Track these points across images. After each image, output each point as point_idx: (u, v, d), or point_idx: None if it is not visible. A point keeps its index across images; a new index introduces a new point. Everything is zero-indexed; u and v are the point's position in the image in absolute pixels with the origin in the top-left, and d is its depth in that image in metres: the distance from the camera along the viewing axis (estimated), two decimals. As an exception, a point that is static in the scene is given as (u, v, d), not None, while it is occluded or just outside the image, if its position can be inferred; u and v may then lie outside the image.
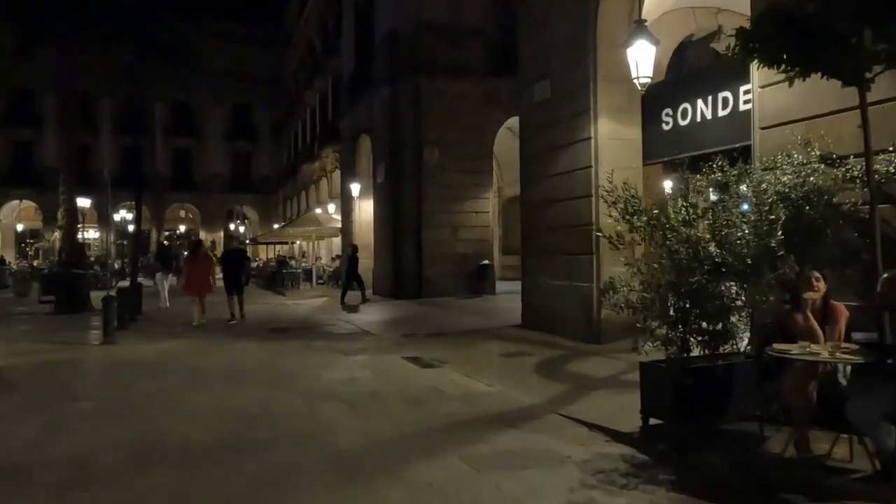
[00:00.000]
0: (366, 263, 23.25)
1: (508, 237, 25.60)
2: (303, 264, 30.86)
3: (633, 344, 5.24)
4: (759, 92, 6.98)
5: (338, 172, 29.51)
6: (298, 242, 36.16)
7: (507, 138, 21.73)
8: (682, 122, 9.23)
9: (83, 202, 29.93)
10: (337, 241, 29.43)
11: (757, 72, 7.01)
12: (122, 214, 40.03)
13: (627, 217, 5.27)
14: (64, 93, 17.83)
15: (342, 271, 18.77)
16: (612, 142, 9.80)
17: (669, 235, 5.10)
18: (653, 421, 5.24)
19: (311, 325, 13.88)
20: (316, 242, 34.55)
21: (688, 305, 5.00)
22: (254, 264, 38.94)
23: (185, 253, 16.58)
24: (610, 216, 5.40)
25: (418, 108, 19.11)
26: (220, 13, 47.95)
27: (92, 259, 37.12)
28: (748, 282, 5.11)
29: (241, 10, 49.60)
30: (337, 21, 29.55)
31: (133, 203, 35.63)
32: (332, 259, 30.36)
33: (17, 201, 46.19)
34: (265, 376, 7.97)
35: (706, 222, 5.23)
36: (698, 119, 8.95)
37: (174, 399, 6.71)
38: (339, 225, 26.61)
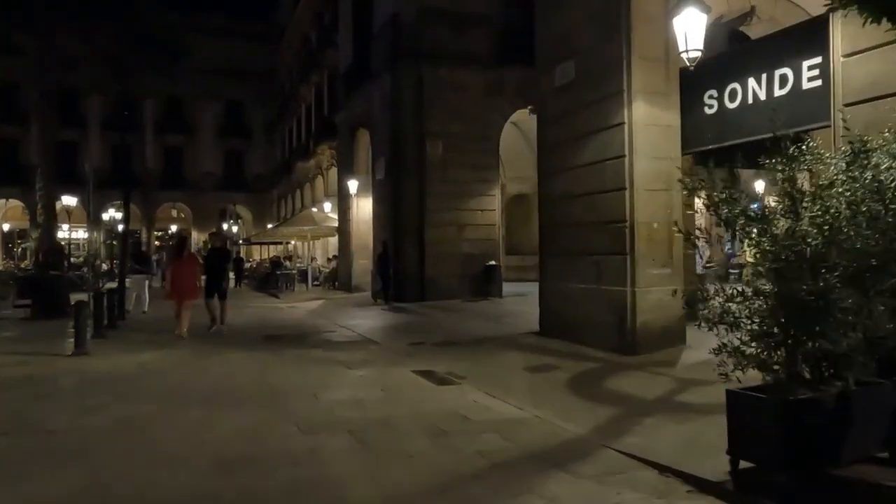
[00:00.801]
0: (364, 265, 22.17)
1: (511, 237, 24.50)
2: (298, 265, 29.74)
3: (718, 370, 4.08)
4: (843, 62, 5.92)
5: (334, 170, 28.38)
6: (293, 242, 34.98)
7: (509, 133, 20.65)
8: (730, 105, 8.14)
9: (69, 200, 28.73)
10: (333, 240, 28.31)
11: (840, 38, 5.96)
12: (112, 214, 38.78)
13: (714, 209, 4.13)
14: (39, 79, 16.61)
15: (375, 271, 17.60)
16: (649, 128, 8.71)
17: (771, 229, 3.99)
18: (743, 464, 4.14)
19: (308, 331, 12.76)
20: (311, 242, 33.38)
21: (797, 321, 3.88)
22: (247, 265, 37.92)
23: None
24: (690, 207, 4.28)
25: (420, 98, 18.00)
26: (212, 8, 46.76)
27: (81, 260, 35.97)
28: (868, 288, 4.01)
29: (233, 6, 48.38)
30: (333, 13, 28.41)
31: (122, 202, 34.40)
32: (329, 260, 29.20)
33: (3, 200, 44.87)
34: (255, 397, 6.83)
35: (810, 214, 4.12)
36: (750, 101, 7.86)
37: (144, 431, 5.56)
38: (336, 224, 25.47)
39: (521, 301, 17.19)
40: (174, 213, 51.60)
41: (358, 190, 22.09)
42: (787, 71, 7.35)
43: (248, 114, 50.94)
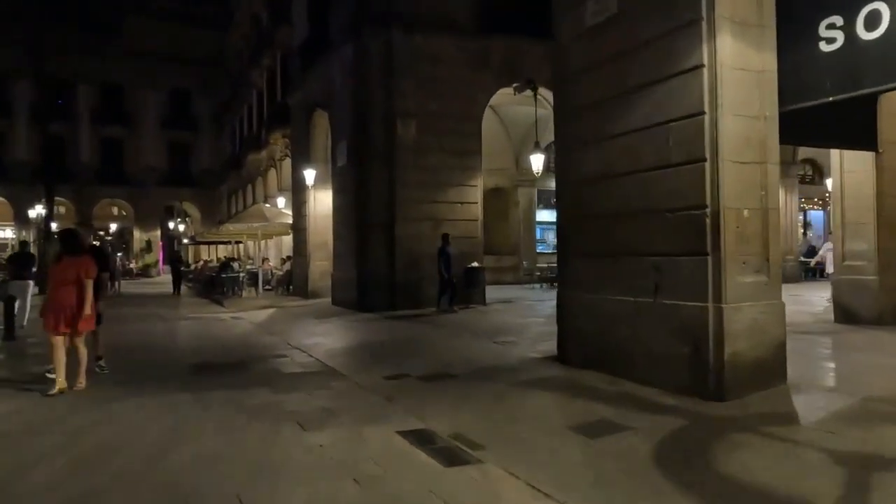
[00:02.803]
0: (322, 266, 19.29)
1: (488, 235, 21.84)
2: (248, 266, 26.52)
3: None
4: None
5: (288, 161, 25.33)
6: (243, 242, 31.69)
7: (485, 118, 17.91)
8: (867, 36, 5.54)
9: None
10: (287, 239, 25.28)
11: None
12: (39, 210, 34.88)
13: None
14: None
15: (440, 269, 14.41)
16: (737, 73, 6.07)
17: None
18: None
19: (250, 356, 9.81)
20: (264, 241, 30.15)
21: None
22: (191, 266, 34.49)
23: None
24: None
25: (390, 70, 15.19)
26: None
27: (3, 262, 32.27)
28: None
29: (179, -14, 44.64)
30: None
31: (62, 198, 30.65)
32: (283, 261, 26.12)
33: None
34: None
35: None
36: (907, 24, 5.29)
37: None
38: (290, 220, 22.44)
39: (511, 310, 14.56)
40: (114, 210, 47.59)
41: (315, 181, 19.16)
42: (982, -28, 4.80)
43: (195, 103, 47.21)
